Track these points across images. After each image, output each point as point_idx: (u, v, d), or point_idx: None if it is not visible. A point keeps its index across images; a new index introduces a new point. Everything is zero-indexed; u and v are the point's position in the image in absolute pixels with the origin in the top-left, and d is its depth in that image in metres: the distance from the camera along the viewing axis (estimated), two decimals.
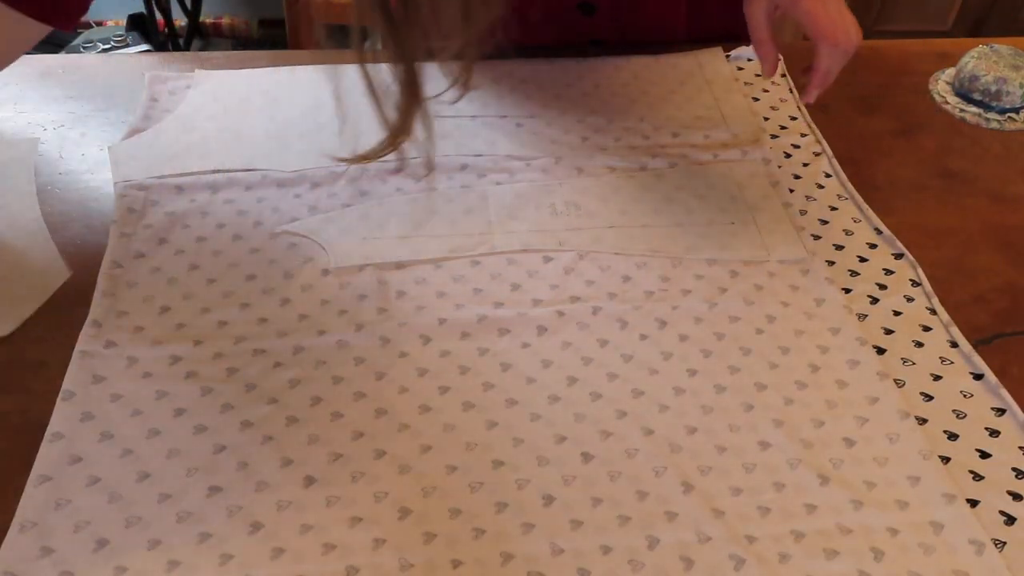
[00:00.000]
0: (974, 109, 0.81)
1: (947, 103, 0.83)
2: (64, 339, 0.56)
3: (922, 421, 0.54)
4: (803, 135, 0.78)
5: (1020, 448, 0.53)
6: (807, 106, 0.80)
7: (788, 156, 0.75)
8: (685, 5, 0.87)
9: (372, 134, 0.54)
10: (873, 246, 0.67)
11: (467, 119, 0.77)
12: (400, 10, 0.48)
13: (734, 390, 0.55)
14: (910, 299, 0.62)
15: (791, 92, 0.83)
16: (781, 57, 0.87)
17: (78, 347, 0.55)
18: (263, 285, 0.61)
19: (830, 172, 0.74)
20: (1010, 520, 0.49)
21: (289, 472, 0.49)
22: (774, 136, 0.78)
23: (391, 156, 0.57)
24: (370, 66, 0.51)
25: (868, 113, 0.82)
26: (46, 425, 0.50)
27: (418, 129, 0.54)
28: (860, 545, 0.47)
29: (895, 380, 0.56)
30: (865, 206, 0.70)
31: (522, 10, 0.84)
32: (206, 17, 2.41)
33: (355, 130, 0.55)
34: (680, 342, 0.58)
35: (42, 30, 0.55)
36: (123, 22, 2.17)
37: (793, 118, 0.80)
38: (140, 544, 0.45)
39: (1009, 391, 0.56)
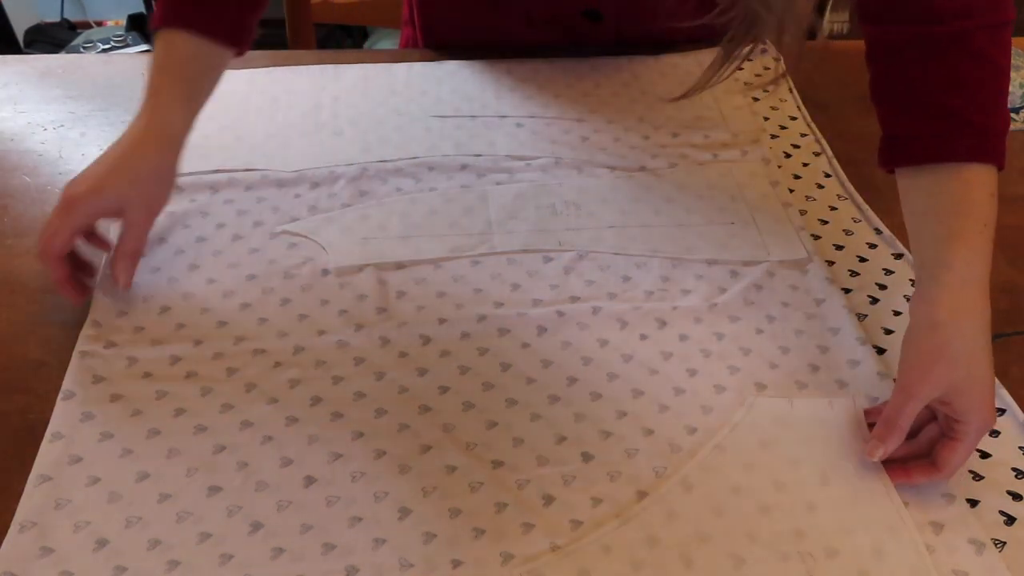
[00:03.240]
0: None
1: None
2: (64, 339, 0.56)
3: None
4: (803, 135, 0.78)
5: (1020, 448, 0.53)
6: (807, 107, 0.80)
7: (788, 156, 0.75)
8: (691, 17, 0.87)
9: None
10: (873, 246, 0.67)
11: (467, 119, 0.77)
12: None
13: (734, 390, 0.55)
14: (910, 299, 0.62)
15: (791, 92, 0.83)
16: (781, 57, 0.87)
17: (78, 347, 0.55)
18: (263, 285, 0.60)
19: (830, 172, 0.74)
20: (1010, 520, 0.49)
21: (289, 472, 0.49)
22: (774, 136, 0.78)
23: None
24: None
25: (868, 113, 0.82)
26: (46, 425, 0.50)
27: None
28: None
29: (895, 380, 0.56)
30: (865, 206, 0.70)
31: (527, 15, 0.84)
32: None
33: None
34: (680, 342, 0.58)
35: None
36: (123, 22, 2.17)
37: (793, 118, 0.80)
38: (140, 544, 0.45)
39: (1009, 391, 0.56)
